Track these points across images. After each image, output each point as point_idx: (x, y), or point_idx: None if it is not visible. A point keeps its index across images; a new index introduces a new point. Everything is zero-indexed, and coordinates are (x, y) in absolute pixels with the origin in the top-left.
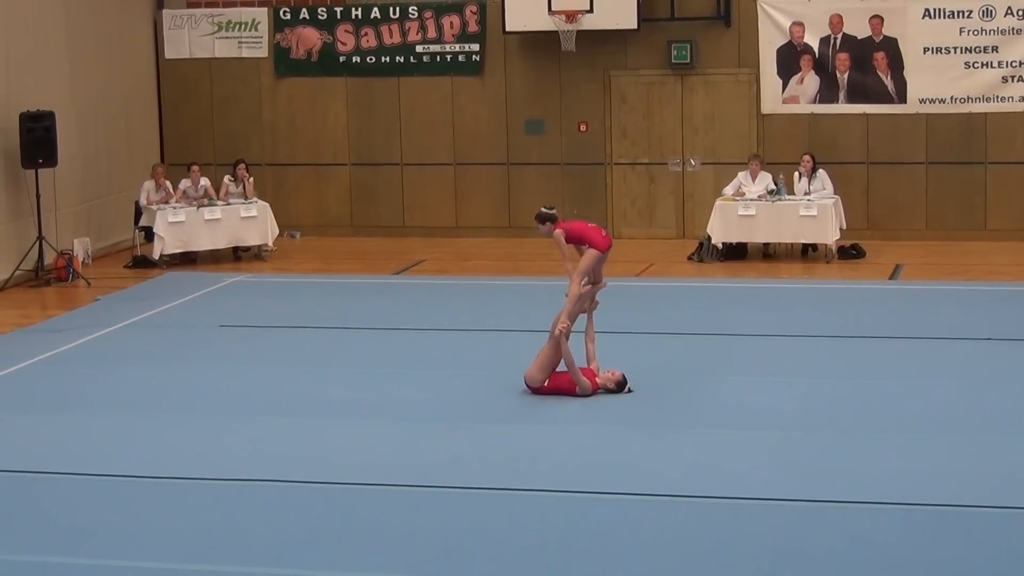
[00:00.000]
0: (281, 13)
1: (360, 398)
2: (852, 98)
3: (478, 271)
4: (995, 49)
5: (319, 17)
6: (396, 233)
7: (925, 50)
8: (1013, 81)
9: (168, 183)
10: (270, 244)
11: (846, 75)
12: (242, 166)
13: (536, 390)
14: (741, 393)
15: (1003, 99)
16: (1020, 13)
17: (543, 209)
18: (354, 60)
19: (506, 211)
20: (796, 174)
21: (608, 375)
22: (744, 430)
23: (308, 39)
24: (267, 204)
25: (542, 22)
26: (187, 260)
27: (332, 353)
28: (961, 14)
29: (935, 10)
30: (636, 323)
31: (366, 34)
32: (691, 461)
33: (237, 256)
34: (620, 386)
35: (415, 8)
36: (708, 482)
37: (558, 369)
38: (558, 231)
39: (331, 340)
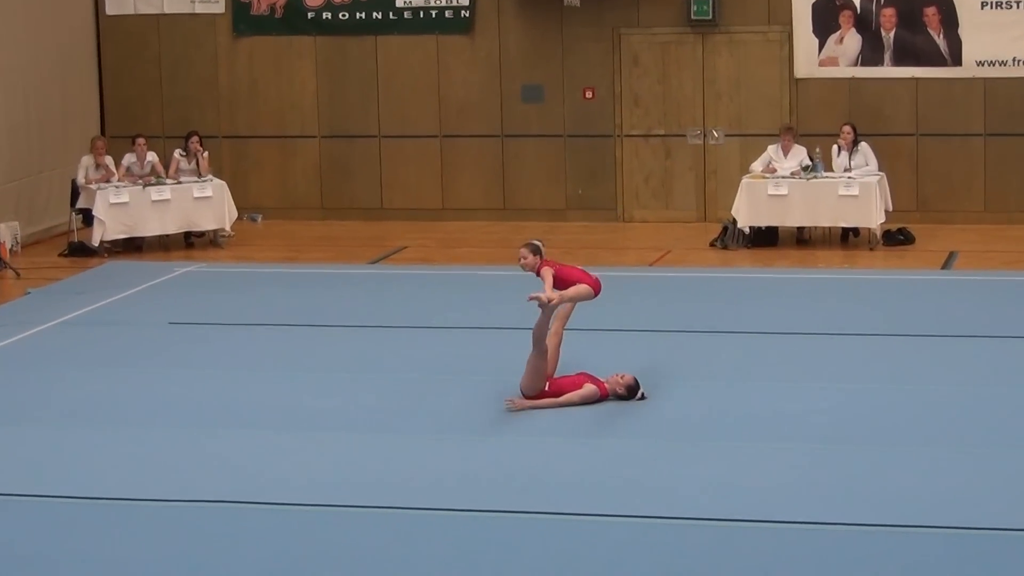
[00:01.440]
0: None
1: (332, 408)
2: (899, 60)
3: (468, 260)
4: None
5: None
6: (373, 216)
7: (983, 5)
8: None
9: (109, 159)
10: (227, 229)
11: (892, 33)
12: (195, 139)
13: (535, 400)
14: (770, 400)
15: None
16: None
17: (533, 241)
18: (324, 16)
19: (500, 190)
20: (835, 148)
21: (617, 379)
22: (773, 443)
23: None
24: (224, 183)
25: None
26: (131, 247)
27: (300, 355)
28: None
29: None
30: (650, 319)
31: None
32: (712, 479)
33: (189, 243)
34: (631, 392)
35: None
36: (732, 503)
37: (556, 375)
38: (546, 269)
39: (298, 340)
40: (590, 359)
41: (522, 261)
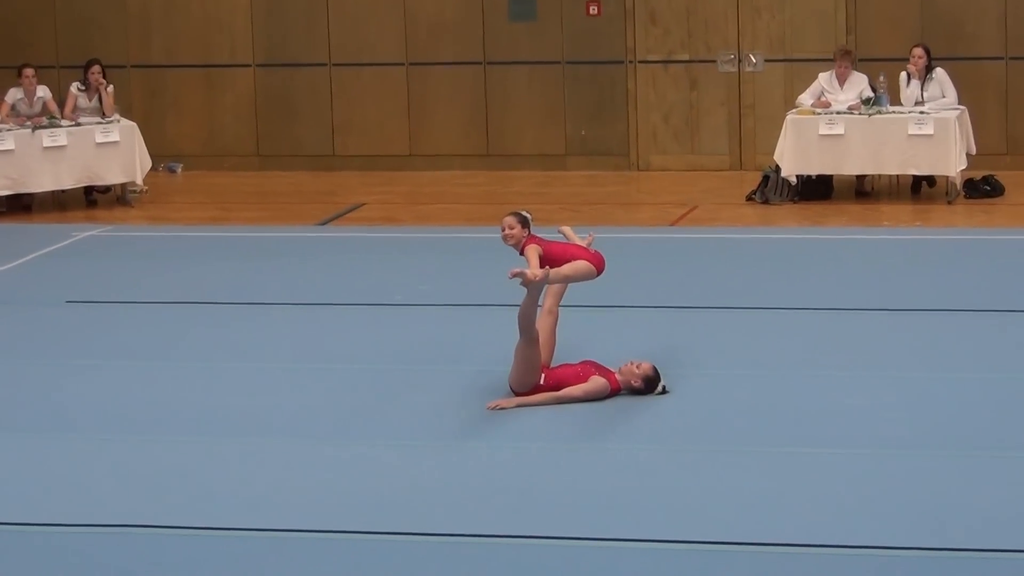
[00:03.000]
0: None
1: (271, 408)
2: None
3: (443, 219)
4: None
5: None
6: (323, 165)
7: None
8: None
9: None
10: (139, 182)
11: None
12: (97, 70)
13: (527, 396)
14: (823, 394)
15: None
16: None
17: (521, 211)
18: None
19: (482, 132)
20: (903, 75)
21: (632, 368)
22: (828, 448)
23: None
24: (134, 124)
25: None
26: (18, 206)
27: (230, 342)
28: None
29: None
30: (671, 292)
31: None
32: (752, 494)
33: (91, 200)
34: (650, 384)
35: None
36: (776, 524)
37: (552, 365)
38: (532, 247)
39: (229, 323)
40: (596, 343)
41: (506, 232)
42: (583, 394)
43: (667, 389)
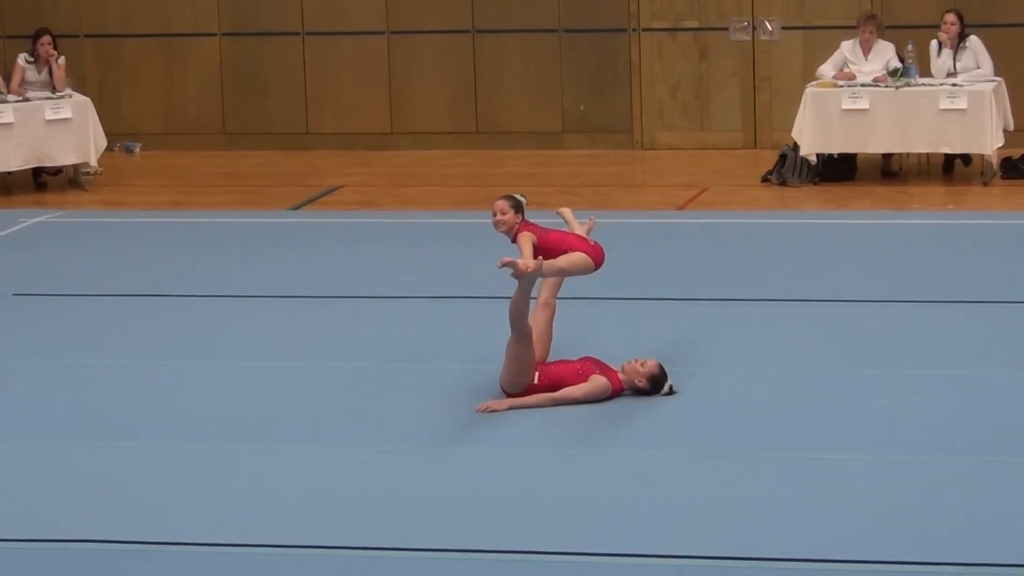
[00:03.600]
0: None
1: (241, 410)
2: None
3: (427, 204)
4: None
5: None
6: (295, 144)
7: None
8: None
9: None
10: (93, 163)
11: None
12: (46, 40)
13: (521, 397)
14: (849, 394)
15: None
16: None
17: (515, 195)
18: None
19: (471, 108)
20: (933, 44)
21: (636, 366)
22: (855, 453)
23: None
24: (88, 100)
25: None
26: None
27: (194, 338)
28: None
29: None
30: (679, 283)
31: None
32: (770, 504)
33: (40, 182)
34: (656, 384)
35: None
36: (799, 536)
37: (549, 360)
38: (525, 234)
39: (192, 317)
40: (597, 339)
41: (498, 217)
42: (582, 395)
43: (675, 389)
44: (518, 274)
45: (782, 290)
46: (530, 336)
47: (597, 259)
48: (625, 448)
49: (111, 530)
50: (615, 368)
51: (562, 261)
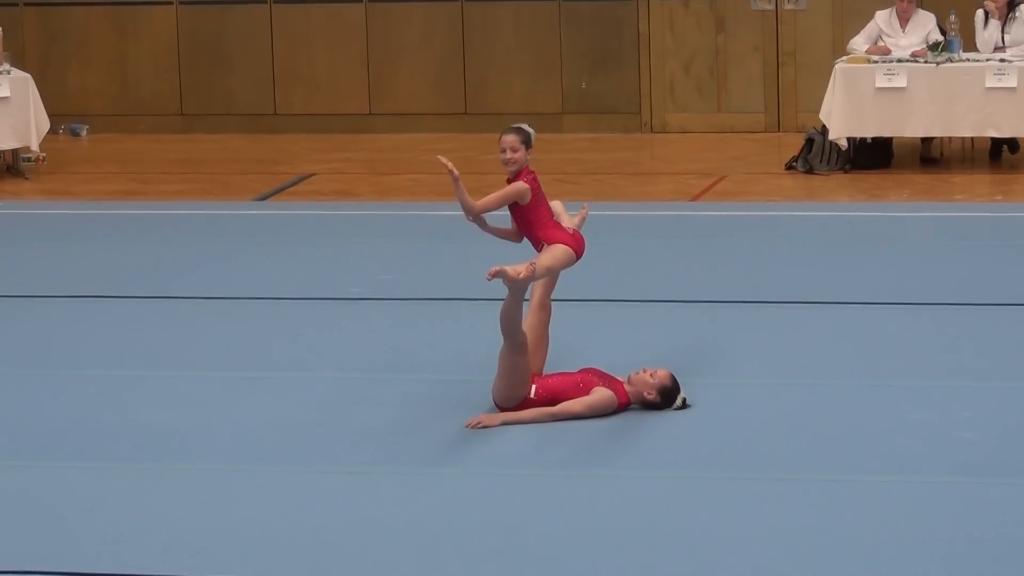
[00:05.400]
0: None
1: (197, 424)
2: None
3: (409, 193)
4: None
5: None
6: (262, 127)
7: None
8: None
9: None
10: (34, 148)
11: None
12: None
13: (515, 412)
14: (883, 408)
15: None
16: None
17: (524, 127)
18: None
19: (459, 86)
20: (979, 14)
21: (645, 377)
22: (889, 475)
23: None
24: (28, 76)
25: None
26: None
27: (146, 343)
28: None
29: None
30: (693, 283)
31: None
32: (793, 532)
33: None
34: (667, 397)
35: None
36: (827, 568)
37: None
38: (523, 185)
39: (144, 320)
40: (600, 345)
41: (508, 156)
42: (584, 409)
43: (688, 403)
44: (510, 281)
45: (808, 291)
46: (525, 345)
47: (578, 249)
48: (631, 469)
49: (48, 561)
50: (621, 379)
51: (546, 259)
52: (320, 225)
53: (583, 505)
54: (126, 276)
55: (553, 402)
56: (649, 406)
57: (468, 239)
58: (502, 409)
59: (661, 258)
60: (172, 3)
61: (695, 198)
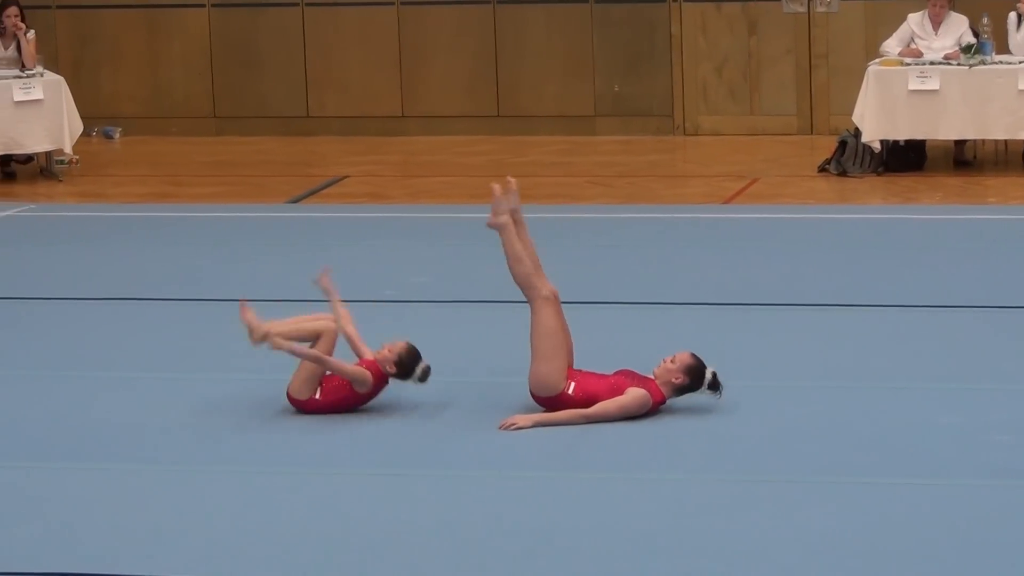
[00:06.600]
0: None
1: (238, 425)
2: None
3: (442, 196)
4: None
5: None
6: (294, 129)
7: None
8: None
9: None
10: (67, 151)
11: None
12: (13, 12)
13: (549, 415)
14: (917, 411)
15: None
16: None
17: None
18: None
19: (491, 88)
20: (1012, 17)
21: (668, 365)
22: (923, 478)
23: None
24: (61, 79)
25: None
26: None
27: (181, 347)
28: None
29: None
30: (725, 285)
31: None
32: (828, 534)
33: (8, 172)
34: (695, 375)
35: None
36: (862, 572)
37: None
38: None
39: (178, 323)
40: (633, 349)
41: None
42: (618, 410)
43: (720, 384)
44: (496, 224)
45: (841, 294)
46: (554, 297)
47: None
48: (666, 472)
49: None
50: (651, 376)
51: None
52: (353, 228)
53: (617, 508)
54: (159, 278)
55: (589, 404)
56: (682, 390)
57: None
58: (538, 400)
59: (694, 260)
60: (204, 6)
61: (728, 200)
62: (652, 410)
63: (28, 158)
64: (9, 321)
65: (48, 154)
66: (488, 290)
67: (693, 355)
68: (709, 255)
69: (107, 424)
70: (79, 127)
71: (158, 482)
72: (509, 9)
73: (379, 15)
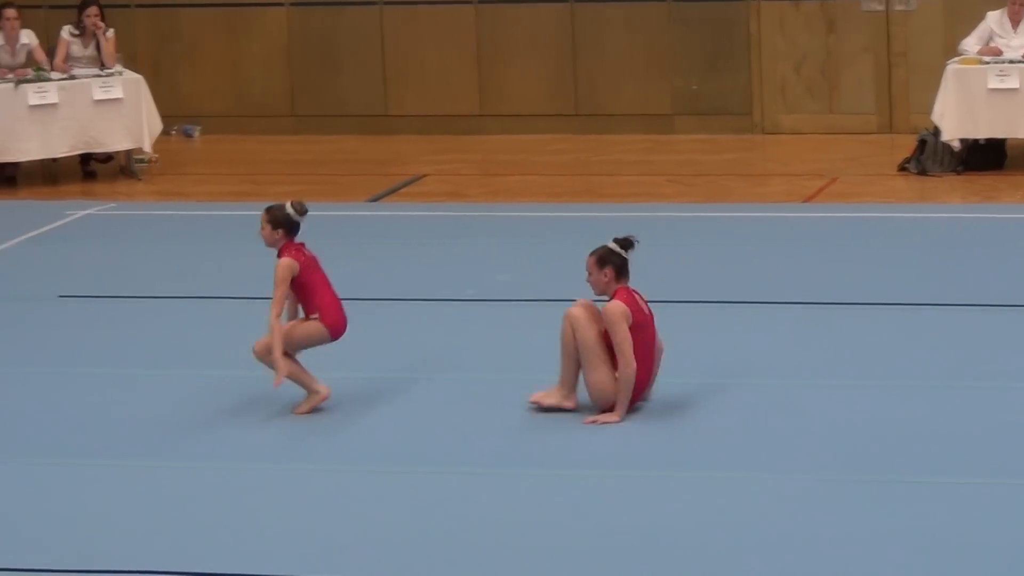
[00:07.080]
0: None
1: (324, 427)
2: None
3: (522, 195)
4: None
5: None
6: (373, 128)
7: None
8: None
9: None
10: (147, 149)
11: None
12: (93, 11)
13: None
14: (984, 411)
15: None
16: None
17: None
18: None
19: (570, 86)
20: None
21: (592, 277)
22: (989, 478)
23: None
24: (141, 78)
25: None
26: (0, 178)
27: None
28: None
29: None
30: (804, 284)
31: None
32: (877, 534)
33: (88, 171)
34: (606, 258)
35: None
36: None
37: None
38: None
39: (256, 322)
40: (712, 347)
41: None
42: (623, 339)
43: (630, 240)
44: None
45: (921, 293)
46: (580, 308)
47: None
48: (718, 470)
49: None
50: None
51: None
52: (432, 226)
53: (665, 506)
54: (238, 277)
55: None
56: (618, 273)
57: (582, 239)
58: (602, 409)
59: (774, 259)
60: (283, 4)
61: (807, 200)
62: (637, 305)
63: (108, 157)
64: (93, 319)
65: (128, 153)
66: (569, 288)
67: (589, 254)
68: (788, 255)
69: (212, 422)
70: (158, 126)
71: (260, 480)
72: (587, 8)
73: (457, 14)
